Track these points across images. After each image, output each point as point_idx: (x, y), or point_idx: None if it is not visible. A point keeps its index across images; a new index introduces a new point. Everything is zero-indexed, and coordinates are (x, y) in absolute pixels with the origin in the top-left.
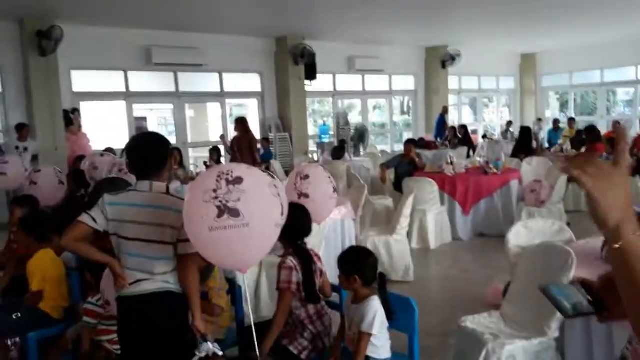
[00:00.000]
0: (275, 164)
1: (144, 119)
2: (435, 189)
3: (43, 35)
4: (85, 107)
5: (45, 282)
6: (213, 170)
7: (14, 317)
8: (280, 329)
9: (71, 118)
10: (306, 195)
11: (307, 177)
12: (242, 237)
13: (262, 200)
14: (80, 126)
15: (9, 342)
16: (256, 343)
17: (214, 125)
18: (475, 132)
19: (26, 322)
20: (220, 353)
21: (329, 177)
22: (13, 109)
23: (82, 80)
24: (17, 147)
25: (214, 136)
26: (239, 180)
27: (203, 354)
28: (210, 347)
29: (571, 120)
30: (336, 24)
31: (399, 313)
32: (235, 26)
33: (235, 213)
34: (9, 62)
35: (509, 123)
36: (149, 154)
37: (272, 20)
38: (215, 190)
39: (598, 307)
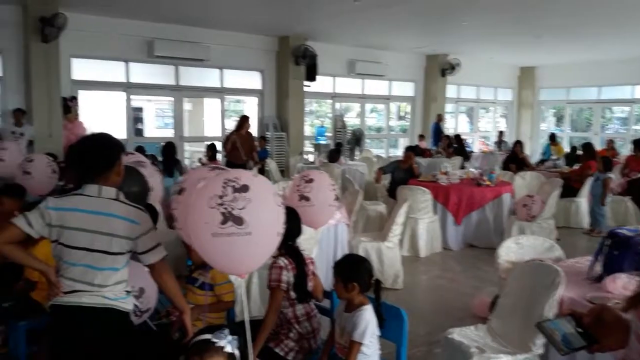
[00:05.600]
0: (271, 163)
1: (140, 109)
2: (428, 197)
3: (46, 22)
4: (83, 96)
5: None
6: (220, 175)
7: (5, 305)
8: (271, 326)
9: (69, 106)
10: (307, 199)
11: (311, 180)
12: (244, 245)
13: (266, 209)
14: (77, 114)
15: None
16: (250, 339)
17: (211, 121)
18: (467, 142)
19: (17, 311)
20: (236, 352)
21: (333, 185)
22: (12, 94)
23: (82, 68)
24: (13, 132)
25: (210, 131)
26: (245, 189)
27: (222, 343)
28: (230, 338)
29: (553, 136)
30: (339, 27)
31: (388, 322)
32: (239, 23)
33: (239, 221)
34: (11, 47)
35: (501, 133)
36: (96, 155)
37: (276, 19)
38: (221, 197)
39: (588, 339)
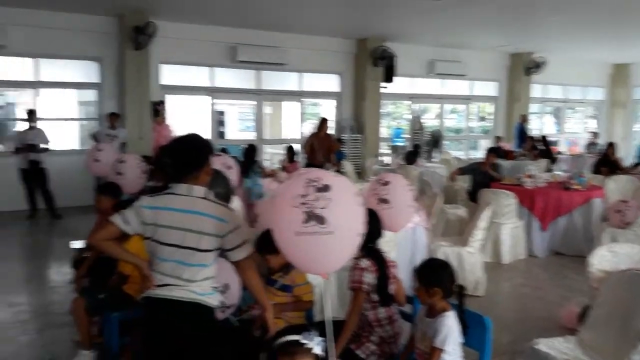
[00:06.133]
0: (347, 165)
1: (222, 113)
2: (512, 202)
3: (139, 31)
4: (170, 100)
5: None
6: (302, 175)
7: (101, 297)
8: (353, 328)
9: (157, 109)
10: (386, 201)
11: (386, 183)
12: (327, 244)
13: (347, 209)
14: (164, 117)
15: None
16: (332, 340)
17: (289, 123)
18: (556, 143)
19: (111, 303)
20: (322, 354)
21: (409, 185)
22: (108, 99)
23: (170, 73)
24: (108, 135)
25: (289, 134)
26: (326, 188)
27: (312, 345)
28: (319, 340)
29: None
30: (418, 27)
31: (471, 329)
32: (318, 27)
33: (321, 220)
34: (108, 55)
35: (595, 134)
36: (187, 155)
37: (354, 21)
38: (303, 196)
39: None
